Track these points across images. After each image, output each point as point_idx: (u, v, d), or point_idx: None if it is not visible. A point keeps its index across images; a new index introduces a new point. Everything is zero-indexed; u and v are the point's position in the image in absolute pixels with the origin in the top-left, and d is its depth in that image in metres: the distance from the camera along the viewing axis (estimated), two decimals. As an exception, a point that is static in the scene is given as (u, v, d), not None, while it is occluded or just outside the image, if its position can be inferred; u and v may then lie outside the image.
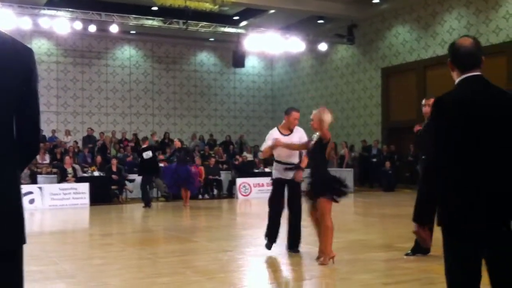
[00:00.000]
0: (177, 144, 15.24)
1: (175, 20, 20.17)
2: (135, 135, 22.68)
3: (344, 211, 13.80)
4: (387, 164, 18.94)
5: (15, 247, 2.32)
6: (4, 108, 2.28)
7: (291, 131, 7.24)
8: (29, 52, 2.41)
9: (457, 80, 2.92)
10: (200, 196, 17.10)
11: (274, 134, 7.20)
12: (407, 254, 6.77)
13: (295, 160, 7.24)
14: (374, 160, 20.28)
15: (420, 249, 6.54)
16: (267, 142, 7.15)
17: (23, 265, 2.35)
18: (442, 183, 2.75)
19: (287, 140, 7.03)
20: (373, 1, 21.06)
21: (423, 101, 6.78)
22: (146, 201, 14.48)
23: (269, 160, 18.30)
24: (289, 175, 7.16)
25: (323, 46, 23.03)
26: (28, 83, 2.36)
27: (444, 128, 2.77)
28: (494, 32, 17.87)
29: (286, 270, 6.58)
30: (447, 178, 2.74)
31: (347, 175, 18.93)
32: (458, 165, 2.73)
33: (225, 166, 19.38)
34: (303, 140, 7.09)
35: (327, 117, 6.41)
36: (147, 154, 14.66)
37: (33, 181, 15.55)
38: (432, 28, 19.99)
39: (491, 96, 2.82)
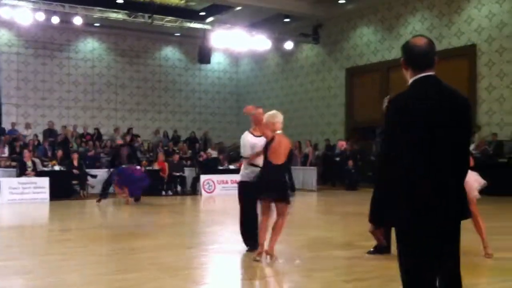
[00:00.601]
0: (120, 141, 14.78)
1: (140, 14, 19.95)
2: (97, 129, 22.34)
3: (307, 209, 13.91)
4: (350, 163, 19.14)
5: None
6: None
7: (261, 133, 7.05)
8: None
9: (410, 80, 2.93)
10: (163, 193, 16.96)
11: (247, 139, 7.03)
12: (369, 252, 6.85)
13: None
14: (337, 159, 20.45)
15: (382, 248, 6.62)
16: (246, 149, 6.97)
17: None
18: (398, 182, 2.78)
19: (260, 141, 6.89)
20: (339, 1, 21.25)
21: (385, 100, 6.86)
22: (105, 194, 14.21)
23: (233, 158, 18.34)
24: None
25: (289, 45, 23.13)
26: None
27: (398, 127, 2.80)
28: (456, 35, 18.25)
29: (248, 267, 6.59)
30: (402, 177, 2.78)
31: (310, 173, 19.15)
32: (413, 163, 2.77)
33: (189, 162, 19.27)
34: None
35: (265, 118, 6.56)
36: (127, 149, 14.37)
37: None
38: (396, 29, 20.30)
39: (443, 96, 2.86)
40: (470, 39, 17.86)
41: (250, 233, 6.95)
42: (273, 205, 6.49)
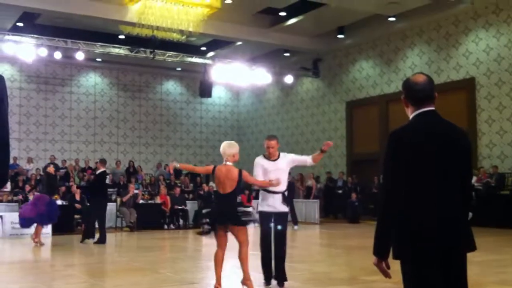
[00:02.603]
0: (51, 170, 13.56)
1: (142, 49, 20.21)
2: (98, 163, 22.36)
3: (309, 242, 13.86)
4: (353, 195, 19.13)
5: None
6: None
7: (278, 157, 6.98)
8: (0, 79, 2.30)
9: (411, 115, 3.00)
10: (165, 226, 16.91)
11: (260, 161, 6.95)
12: None
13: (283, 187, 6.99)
14: (340, 191, 20.46)
15: None
16: (258, 173, 6.88)
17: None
18: (399, 215, 2.83)
19: (273, 166, 6.87)
20: (338, 36, 21.54)
21: None
22: (103, 235, 12.71)
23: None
24: (277, 206, 6.90)
25: (289, 79, 23.36)
26: None
27: (399, 160, 2.85)
28: (454, 69, 18.46)
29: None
30: (401, 209, 2.82)
31: (313, 205, 19.13)
32: (413, 195, 2.81)
33: (191, 195, 19.26)
34: (297, 161, 7.10)
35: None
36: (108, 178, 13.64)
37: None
38: (395, 63, 20.54)
39: (443, 130, 2.93)
40: (468, 73, 18.06)
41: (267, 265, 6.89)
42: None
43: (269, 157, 6.94)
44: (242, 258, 6.39)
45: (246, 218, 6.32)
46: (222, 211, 6.36)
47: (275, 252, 6.88)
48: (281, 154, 7.02)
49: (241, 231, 6.34)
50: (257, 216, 6.69)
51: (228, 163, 6.44)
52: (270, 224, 6.82)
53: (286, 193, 6.96)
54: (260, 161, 6.95)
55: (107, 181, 13.83)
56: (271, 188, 6.79)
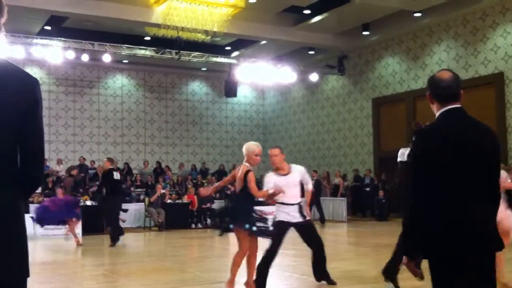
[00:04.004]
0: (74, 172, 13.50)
1: (167, 50, 20.35)
2: (126, 164, 22.64)
3: (337, 240, 13.81)
4: (381, 193, 19.00)
5: (20, 281, 2.31)
6: (7, 139, 2.24)
7: (289, 171, 6.83)
8: (35, 82, 2.36)
9: (438, 113, 2.98)
10: (193, 226, 17.03)
11: (270, 178, 6.76)
12: None
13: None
14: (367, 189, 20.33)
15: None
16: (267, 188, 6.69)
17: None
18: (425, 214, 2.81)
19: (283, 180, 6.66)
20: (363, 33, 21.38)
21: (411, 123, 6.89)
22: (118, 233, 12.58)
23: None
24: (294, 215, 6.79)
25: (314, 77, 23.27)
26: (33, 114, 2.31)
27: (425, 159, 2.84)
28: (482, 63, 18.17)
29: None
30: (429, 208, 2.80)
31: (340, 204, 19.07)
32: (440, 194, 2.80)
33: (217, 195, 19.34)
34: (304, 179, 6.96)
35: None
36: (117, 175, 13.01)
37: (25, 210, 15.39)
38: (421, 59, 20.31)
39: (470, 128, 2.91)
40: (497, 67, 17.77)
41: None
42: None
43: (277, 171, 6.79)
44: (236, 262, 6.34)
45: (259, 225, 6.20)
46: (231, 209, 6.42)
47: (319, 254, 6.97)
48: (292, 166, 6.88)
49: (242, 235, 6.25)
50: (271, 228, 6.49)
51: (245, 163, 6.44)
52: (283, 237, 6.69)
53: (302, 203, 6.86)
54: (270, 177, 6.76)
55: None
56: (285, 200, 6.66)
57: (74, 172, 13.75)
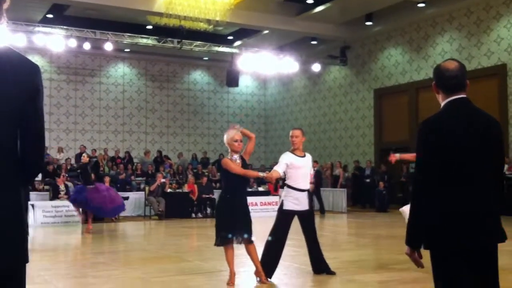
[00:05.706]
0: (85, 159, 13.72)
1: (169, 39, 20.29)
2: (127, 152, 22.63)
3: (337, 231, 13.82)
4: (381, 184, 18.98)
5: (18, 267, 2.30)
6: (7, 126, 2.22)
7: (305, 154, 6.86)
8: (36, 69, 2.33)
9: (443, 103, 2.96)
10: (193, 215, 17.04)
11: (289, 157, 6.72)
12: None
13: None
14: (368, 180, 20.32)
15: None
16: (280, 166, 6.65)
17: (25, 285, 2.34)
18: (428, 204, 2.79)
19: (301, 162, 6.73)
20: (366, 23, 21.29)
21: None
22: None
23: (262, 180, 18.33)
24: (302, 203, 6.78)
25: (316, 67, 23.20)
26: (33, 101, 2.28)
27: (430, 150, 2.82)
28: (485, 55, 18.09)
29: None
30: (433, 199, 2.79)
31: (340, 195, 19.06)
32: (444, 186, 2.78)
33: (218, 184, 19.33)
34: (310, 168, 7.04)
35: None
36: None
37: (26, 197, 15.40)
38: (424, 50, 20.22)
39: (475, 118, 2.88)
40: (500, 59, 17.69)
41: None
42: None
43: (295, 151, 6.80)
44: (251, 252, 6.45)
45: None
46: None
47: (313, 247, 6.97)
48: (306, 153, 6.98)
49: None
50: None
51: (228, 156, 6.47)
52: (288, 227, 6.74)
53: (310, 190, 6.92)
54: (289, 156, 6.72)
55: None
56: (298, 185, 6.69)
57: (85, 159, 13.93)
